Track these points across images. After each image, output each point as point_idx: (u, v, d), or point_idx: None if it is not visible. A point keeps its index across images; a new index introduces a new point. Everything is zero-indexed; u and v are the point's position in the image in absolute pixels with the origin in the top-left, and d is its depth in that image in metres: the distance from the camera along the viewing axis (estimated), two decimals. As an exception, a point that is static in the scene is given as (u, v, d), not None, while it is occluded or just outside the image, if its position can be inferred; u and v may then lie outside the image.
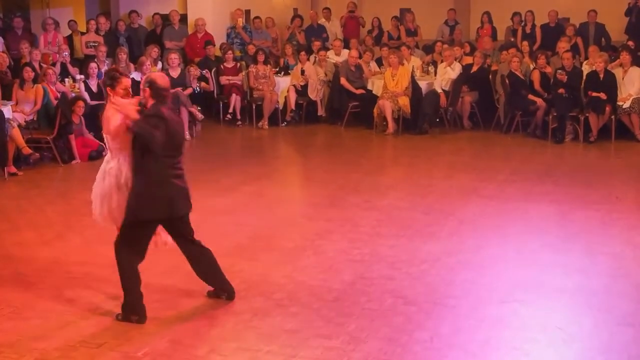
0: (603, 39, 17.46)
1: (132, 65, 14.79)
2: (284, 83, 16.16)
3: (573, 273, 7.49)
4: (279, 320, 6.44)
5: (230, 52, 16.28)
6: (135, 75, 14.10)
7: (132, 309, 6.46)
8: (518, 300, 6.83)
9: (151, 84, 6.29)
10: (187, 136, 14.32)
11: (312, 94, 16.04)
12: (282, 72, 16.49)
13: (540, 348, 5.96)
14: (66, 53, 14.99)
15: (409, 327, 6.28)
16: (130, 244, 6.45)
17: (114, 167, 6.58)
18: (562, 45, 15.44)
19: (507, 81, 14.62)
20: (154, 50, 15.28)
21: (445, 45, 16.31)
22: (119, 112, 6.35)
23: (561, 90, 13.93)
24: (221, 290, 6.87)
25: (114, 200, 6.63)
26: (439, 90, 15.11)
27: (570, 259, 7.89)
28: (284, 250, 8.25)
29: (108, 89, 6.55)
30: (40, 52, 14.80)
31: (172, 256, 7.85)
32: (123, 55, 14.75)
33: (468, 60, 15.87)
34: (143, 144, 6.18)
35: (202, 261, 6.80)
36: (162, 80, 6.37)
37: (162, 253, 8.05)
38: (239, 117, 15.92)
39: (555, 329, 6.25)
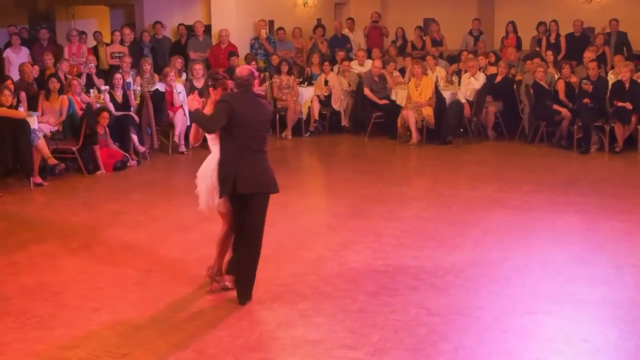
0: (625, 48, 17.34)
1: (156, 76, 14.85)
2: (307, 93, 16.17)
3: (598, 284, 7.45)
4: (302, 330, 6.45)
5: (254, 62, 16.31)
6: (160, 86, 14.17)
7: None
8: (543, 311, 6.80)
9: (234, 77, 7.08)
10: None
11: (336, 105, 16.05)
12: (306, 83, 16.51)
13: (565, 360, 5.94)
14: (92, 64, 15.08)
15: (433, 338, 6.27)
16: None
17: (214, 156, 7.13)
18: (588, 54, 15.37)
19: (531, 91, 14.56)
20: (178, 61, 15.35)
21: (470, 56, 16.27)
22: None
23: (586, 100, 13.86)
24: (240, 291, 7.07)
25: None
26: (463, 101, 15.08)
27: (595, 271, 7.85)
28: (307, 260, 8.25)
29: (210, 89, 7.23)
30: (69, 63, 14.90)
31: (197, 266, 7.90)
32: (147, 66, 14.82)
33: (492, 70, 15.83)
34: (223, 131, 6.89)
35: (241, 258, 7.06)
36: (239, 72, 7.06)
37: (188, 263, 8.11)
38: (263, 127, 15.92)
39: (581, 340, 6.22)
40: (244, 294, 7.05)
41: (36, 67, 14.45)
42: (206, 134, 7.22)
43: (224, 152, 6.96)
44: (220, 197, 7.01)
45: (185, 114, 14.14)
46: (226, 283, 7.33)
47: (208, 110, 7.13)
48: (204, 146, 14.09)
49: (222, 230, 7.30)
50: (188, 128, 14.26)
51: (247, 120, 6.86)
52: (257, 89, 15.96)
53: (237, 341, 6.27)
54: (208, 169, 7.17)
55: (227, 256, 7.37)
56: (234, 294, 7.17)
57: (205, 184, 7.17)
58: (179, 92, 14.27)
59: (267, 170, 7.04)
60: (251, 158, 6.92)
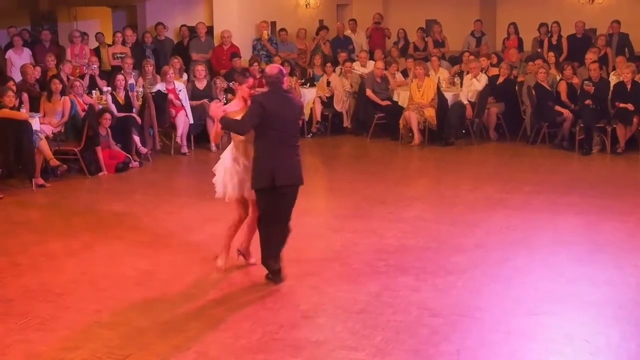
0: (626, 49, 17.35)
1: (158, 77, 14.85)
2: (309, 94, 16.18)
3: (600, 285, 7.45)
4: (304, 331, 6.45)
5: (256, 64, 16.30)
6: (161, 87, 14.14)
7: (265, 264, 7.54)
8: (544, 312, 6.80)
9: (264, 76, 7.51)
10: (213, 148, 14.40)
11: (338, 106, 16.06)
12: (308, 84, 16.51)
13: (567, 361, 5.94)
14: (95, 65, 15.07)
15: (434, 340, 6.26)
16: (259, 210, 7.54)
17: (232, 153, 7.66)
18: (589, 56, 15.37)
19: (533, 92, 14.56)
20: (174, 62, 15.25)
21: (472, 57, 16.28)
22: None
23: (588, 102, 13.86)
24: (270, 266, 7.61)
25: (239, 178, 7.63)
26: (465, 102, 15.08)
27: (597, 271, 7.84)
28: (309, 261, 8.25)
29: (236, 84, 7.78)
30: (72, 65, 14.91)
31: (199, 268, 7.91)
32: (150, 68, 14.81)
33: (494, 71, 15.83)
34: (257, 128, 7.30)
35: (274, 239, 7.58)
36: (269, 70, 7.50)
37: (191, 264, 8.12)
38: (264, 128, 15.89)
39: (582, 341, 6.22)
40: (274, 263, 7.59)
41: (38, 68, 14.46)
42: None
43: (259, 148, 7.35)
44: (253, 188, 7.42)
45: (187, 115, 14.14)
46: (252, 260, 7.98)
47: (234, 105, 7.73)
48: (206, 147, 14.24)
49: (240, 216, 7.83)
50: (191, 128, 14.29)
51: (279, 117, 7.27)
52: (262, 89, 16.09)
53: (239, 342, 6.27)
54: (230, 159, 7.63)
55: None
56: (236, 294, 7.21)
57: (230, 173, 7.60)
58: (180, 90, 14.24)
59: (298, 163, 7.50)
60: (284, 152, 7.36)
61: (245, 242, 8.01)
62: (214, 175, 7.80)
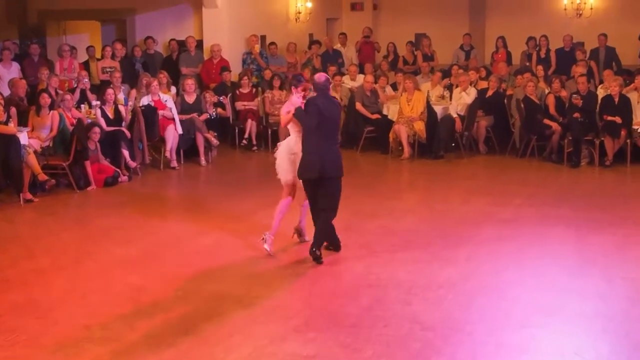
0: (613, 63, 17.44)
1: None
2: (299, 108, 16.14)
3: (590, 298, 7.46)
4: (296, 346, 6.42)
5: (245, 77, 16.29)
6: (146, 99, 14.08)
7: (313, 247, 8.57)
8: (535, 325, 6.80)
9: (312, 83, 8.82)
10: (202, 162, 14.38)
11: (328, 119, 16.05)
12: (298, 98, 16.48)
13: (558, 374, 5.93)
14: (86, 80, 14.98)
15: (426, 353, 6.25)
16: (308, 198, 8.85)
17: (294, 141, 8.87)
18: (578, 69, 15.43)
19: (522, 105, 14.61)
20: (161, 77, 15.16)
21: (461, 70, 16.34)
22: (290, 105, 8.81)
23: (576, 115, 13.91)
24: (330, 245, 8.92)
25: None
26: (455, 115, 15.12)
27: (587, 284, 7.85)
28: (300, 275, 8.23)
29: (292, 88, 8.90)
30: (59, 79, 14.85)
31: (190, 279, 7.89)
32: (145, 81, 14.72)
33: (483, 84, 15.89)
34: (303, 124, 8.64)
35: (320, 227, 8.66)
36: (318, 78, 8.76)
37: (181, 278, 8.08)
38: (254, 142, 15.92)
39: (573, 354, 6.22)
40: (321, 244, 8.69)
41: (23, 82, 14.29)
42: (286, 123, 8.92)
43: (308, 143, 8.53)
44: (302, 179, 8.64)
45: (176, 129, 14.11)
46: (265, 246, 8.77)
47: (289, 104, 8.83)
48: (196, 161, 14.23)
49: (289, 198, 8.97)
50: (180, 142, 14.26)
51: (327, 118, 8.53)
52: (251, 103, 16.15)
53: (230, 356, 6.24)
54: (289, 148, 8.87)
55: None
56: (226, 308, 7.19)
57: (288, 160, 8.85)
58: (165, 101, 14.20)
59: (339, 157, 8.70)
60: (329, 147, 8.55)
61: (300, 221, 9.23)
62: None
